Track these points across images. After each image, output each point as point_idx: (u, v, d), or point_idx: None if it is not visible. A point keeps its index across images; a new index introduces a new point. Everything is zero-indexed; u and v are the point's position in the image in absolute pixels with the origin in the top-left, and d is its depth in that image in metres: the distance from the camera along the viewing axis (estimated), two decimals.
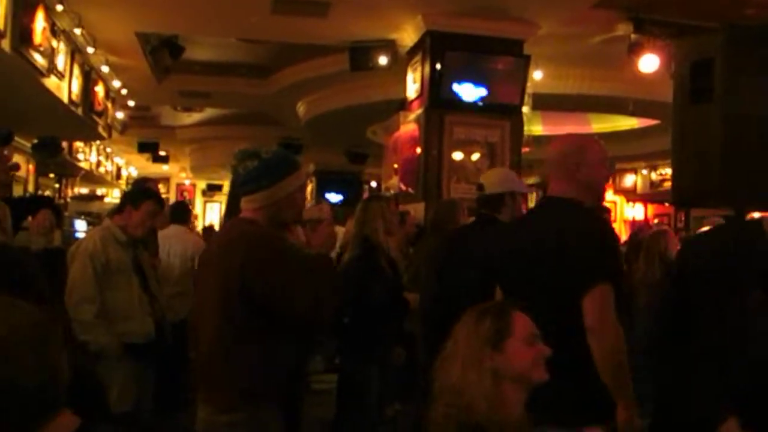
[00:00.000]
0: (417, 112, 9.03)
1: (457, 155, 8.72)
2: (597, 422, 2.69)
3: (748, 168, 3.67)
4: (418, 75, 9.03)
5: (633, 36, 8.55)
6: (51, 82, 9.14)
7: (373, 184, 19.47)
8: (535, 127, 13.03)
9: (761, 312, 2.38)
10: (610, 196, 16.24)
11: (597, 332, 2.68)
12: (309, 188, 12.43)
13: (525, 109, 9.02)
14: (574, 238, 2.82)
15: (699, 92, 3.86)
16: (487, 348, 2.18)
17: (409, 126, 9.25)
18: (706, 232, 4.19)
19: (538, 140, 10.93)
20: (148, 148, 19.27)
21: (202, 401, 3.10)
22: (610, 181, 16.90)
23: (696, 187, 3.90)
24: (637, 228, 11.60)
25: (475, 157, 8.75)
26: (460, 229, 5.15)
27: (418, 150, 8.81)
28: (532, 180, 12.83)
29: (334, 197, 19.48)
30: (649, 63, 8.62)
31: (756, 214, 3.72)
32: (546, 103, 10.36)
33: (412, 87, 9.25)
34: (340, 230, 6.00)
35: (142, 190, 5.36)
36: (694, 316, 2.57)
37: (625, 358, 2.71)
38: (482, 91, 8.64)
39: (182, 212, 7.41)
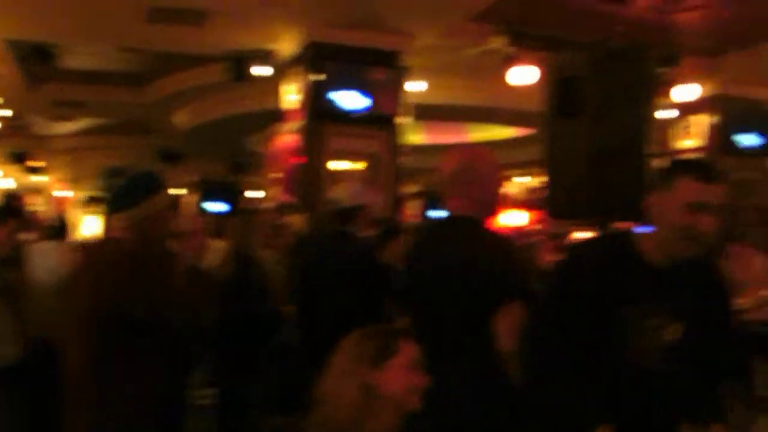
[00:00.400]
0: (297, 122, 8.97)
1: (338, 165, 8.71)
2: None
3: (616, 181, 3.80)
4: (298, 85, 8.98)
5: (508, 49, 8.74)
6: None
7: (255, 194, 19.24)
8: (416, 136, 13.18)
9: (635, 328, 2.41)
10: None
11: (510, 356, 2.64)
12: (192, 199, 12.26)
13: (405, 119, 9.10)
14: (484, 257, 2.77)
15: (568, 107, 3.97)
16: (366, 363, 2.17)
17: (289, 136, 9.19)
18: (581, 245, 4.21)
19: (417, 149, 11.05)
20: (18, 158, 18.46)
21: (71, 424, 2.98)
22: None
23: (567, 199, 4.02)
24: (516, 236, 11.83)
25: (359, 167, 8.77)
26: (317, 241, 5.12)
27: (299, 160, 8.76)
28: (414, 188, 12.95)
29: (216, 207, 19.09)
30: (521, 75, 8.82)
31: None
32: (429, 114, 10.49)
33: (293, 97, 9.19)
34: (219, 244, 5.88)
35: (5, 207, 5.12)
36: (569, 332, 2.56)
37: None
38: (364, 102, 8.67)
39: (57, 227, 7.10)
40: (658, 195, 2.40)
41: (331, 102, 8.56)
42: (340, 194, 4.65)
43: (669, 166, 2.50)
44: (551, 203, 4.13)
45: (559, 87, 4.00)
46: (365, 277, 4.33)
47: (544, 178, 4.18)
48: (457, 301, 2.78)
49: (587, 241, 3.01)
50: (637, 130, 4.03)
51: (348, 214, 4.50)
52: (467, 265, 2.76)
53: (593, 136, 3.85)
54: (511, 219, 15.05)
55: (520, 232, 12.38)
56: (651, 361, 2.37)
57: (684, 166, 2.43)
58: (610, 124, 3.88)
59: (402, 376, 2.19)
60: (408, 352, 2.23)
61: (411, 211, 13.86)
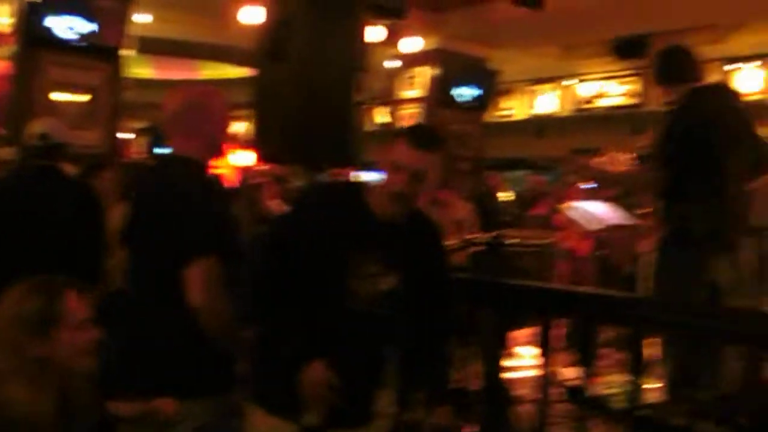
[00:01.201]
0: (10, 47, 8.29)
1: (59, 97, 8.18)
2: (210, 394, 2.64)
3: (324, 126, 3.91)
4: (10, 7, 8.27)
5: None
6: None
7: None
8: (144, 70, 12.72)
9: (355, 273, 2.50)
10: None
11: (203, 311, 2.55)
12: None
13: (129, 52, 8.72)
14: (181, 205, 2.63)
15: (277, 51, 4.01)
16: (30, 333, 2.01)
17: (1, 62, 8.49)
18: (309, 191, 4.16)
19: (146, 84, 10.67)
20: None
21: None
22: None
23: (277, 143, 4.09)
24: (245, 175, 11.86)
25: (82, 99, 8.28)
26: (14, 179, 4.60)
27: (9, 89, 8.12)
28: (139, 125, 12.52)
29: None
30: (252, 14, 8.74)
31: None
32: (155, 48, 10.12)
33: (4, 20, 8.46)
34: None
35: None
36: (293, 276, 2.59)
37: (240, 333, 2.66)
38: (86, 29, 8.12)
39: None
40: (380, 152, 2.52)
41: (48, 28, 7.98)
42: (44, 128, 4.33)
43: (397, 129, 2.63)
44: (262, 146, 4.17)
45: (270, 31, 4.04)
46: (84, 220, 4.06)
47: (255, 121, 4.22)
48: (152, 248, 2.69)
49: (314, 188, 3.02)
50: (345, 78, 4.16)
51: (57, 150, 4.18)
52: (166, 210, 2.65)
53: (301, 80, 3.93)
54: (239, 159, 14.98)
55: (246, 172, 12.48)
56: (368, 306, 2.49)
57: (403, 131, 2.56)
58: (320, 71, 3.97)
59: (70, 338, 2.05)
60: (74, 309, 2.08)
61: (136, 147, 13.41)
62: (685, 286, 3.73)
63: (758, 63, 11.58)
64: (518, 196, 12.08)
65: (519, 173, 15.45)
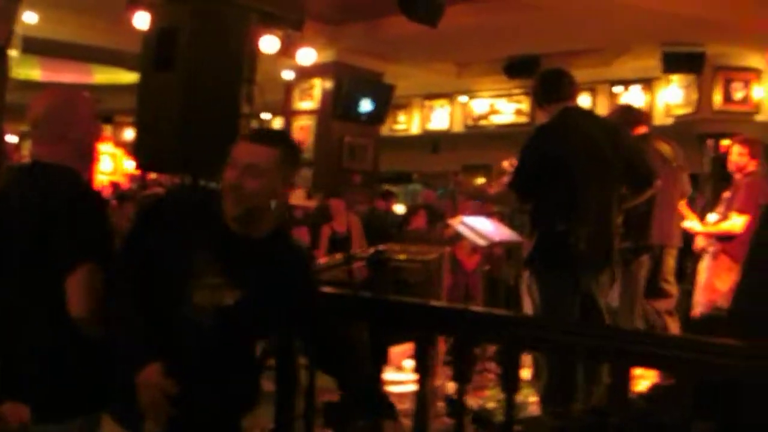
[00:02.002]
0: None
1: None
2: (87, 412, 2.56)
3: (205, 138, 3.83)
4: None
5: None
6: None
7: None
8: (32, 71, 12.31)
9: (197, 284, 2.45)
10: (111, 148, 16.01)
11: (86, 321, 2.48)
12: None
13: (14, 52, 8.40)
14: (54, 213, 2.52)
15: (163, 60, 3.93)
16: None
17: None
18: (164, 198, 4.10)
19: (34, 86, 10.29)
20: None
21: None
22: (109, 134, 16.72)
23: (155, 152, 4.00)
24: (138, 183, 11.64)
25: None
26: None
27: None
28: (23, 127, 12.08)
29: None
30: (143, 19, 8.58)
31: None
32: (40, 48, 9.80)
33: None
34: None
35: None
36: (142, 281, 2.53)
37: None
38: None
39: None
40: None
41: None
42: None
43: None
44: (140, 154, 4.07)
45: (156, 37, 3.96)
46: None
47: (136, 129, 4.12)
48: (27, 259, 2.56)
49: (169, 194, 2.97)
50: (233, 88, 4.10)
51: None
52: (36, 221, 2.53)
53: (186, 90, 3.86)
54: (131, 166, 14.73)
55: (139, 180, 12.22)
56: (205, 319, 2.42)
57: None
58: (204, 81, 3.91)
59: None
60: None
61: (26, 151, 12.92)
62: (558, 304, 3.84)
63: (641, 86, 12.08)
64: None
65: (412, 187, 15.66)
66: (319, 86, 12.20)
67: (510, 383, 2.64)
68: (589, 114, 4.42)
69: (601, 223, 4.01)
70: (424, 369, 2.83)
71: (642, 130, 5.36)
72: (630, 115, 5.41)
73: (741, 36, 10.09)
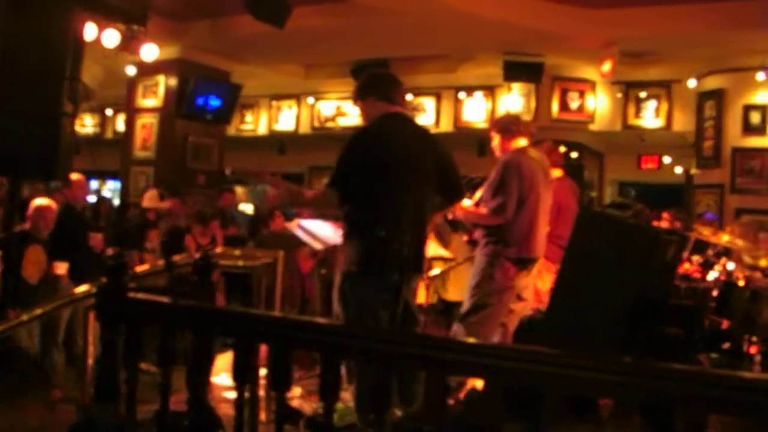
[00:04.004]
0: None
1: None
2: None
3: (20, 136, 3.62)
4: None
5: None
6: None
7: None
8: None
9: None
10: None
11: None
12: None
13: None
14: None
15: None
16: None
17: None
18: None
19: None
20: None
21: None
22: None
23: None
24: None
25: None
26: None
27: None
28: None
29: None
30: None
31: None
32: None
33: None
34: None
35: None
36: None
37: None
38: None
39: None
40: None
41: None
42: None
43: None
44: None
45: None
46: None
47: None
48: None
49: None
50: (54, 86, 3.90)
51: None
52: None
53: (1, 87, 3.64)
54: None
55: None
56: None
57: None
58: (20, 73, 3.70)
59: None
60: None
61: None
62: (374, 310, 3.83)
63: (483, 93, 12.40)
64: (257, 210, 12.11)
65: (261, 187, 15.48)
66: (163, 83, 11.83)
67: (326, 392, 2.62)
68: (410, 121, 4.36)
69: (417, 229, 4.00)
70: (241, 376, 2.77)
71: (522, 141, 5.25)
72: (512, 125, 5.27)
73: (576, 49, 10.55)
